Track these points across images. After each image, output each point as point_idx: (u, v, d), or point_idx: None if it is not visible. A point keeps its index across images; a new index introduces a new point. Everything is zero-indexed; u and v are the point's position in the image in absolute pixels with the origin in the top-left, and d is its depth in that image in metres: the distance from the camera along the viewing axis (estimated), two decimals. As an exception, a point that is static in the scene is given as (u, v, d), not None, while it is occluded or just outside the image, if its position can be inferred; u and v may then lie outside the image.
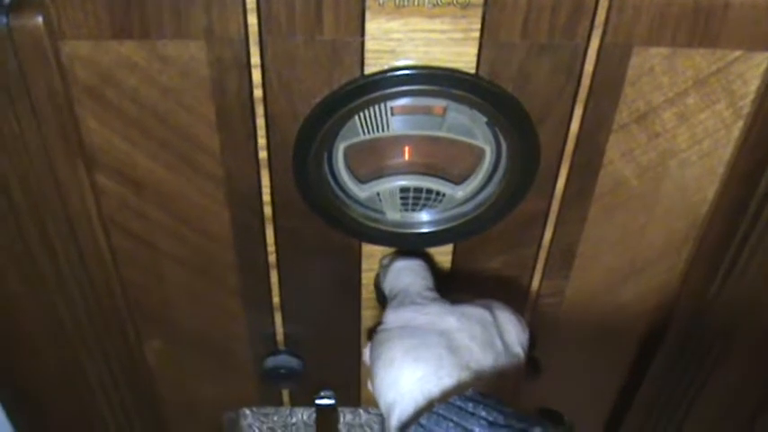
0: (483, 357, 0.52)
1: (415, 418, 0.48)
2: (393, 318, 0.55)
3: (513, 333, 0.55)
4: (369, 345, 0.56)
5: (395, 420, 0.50)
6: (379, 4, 0.48)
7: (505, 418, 0.43)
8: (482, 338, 0.53)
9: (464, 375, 0.50)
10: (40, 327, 0.67)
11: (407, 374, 0.50)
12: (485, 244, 0.63)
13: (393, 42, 0.50)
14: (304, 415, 0.81)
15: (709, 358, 0.71)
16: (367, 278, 0.66)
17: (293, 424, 0.82)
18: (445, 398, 0.47)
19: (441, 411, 0.44)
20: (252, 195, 0.58)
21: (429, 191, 0.59)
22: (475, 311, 0.55)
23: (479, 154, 0.57)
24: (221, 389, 0.77)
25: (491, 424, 0.43)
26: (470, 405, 0.44)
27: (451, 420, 0.44)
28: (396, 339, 0.53)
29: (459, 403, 0.44)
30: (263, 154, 0.56)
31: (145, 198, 0.59)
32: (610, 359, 0.76)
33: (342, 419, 0.81)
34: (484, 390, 0.46)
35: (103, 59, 0.51)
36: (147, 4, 0.48)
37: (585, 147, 0.56)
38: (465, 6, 0.48)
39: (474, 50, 0.50)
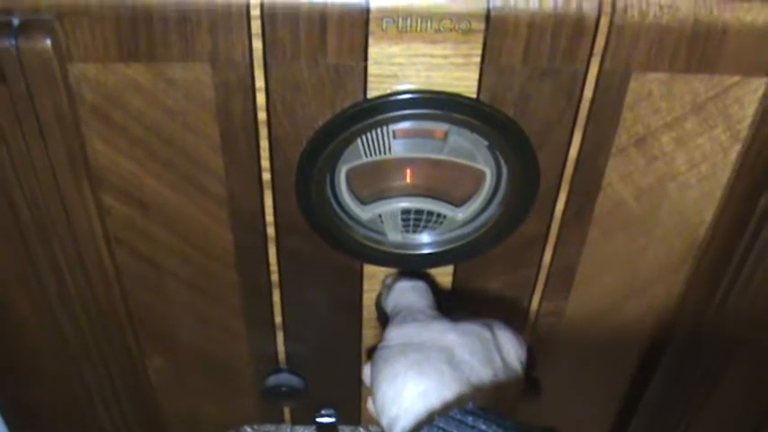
0: (483, 372, 0.52)
1: (417, 431, 0.48)
2: (395, 334, 0.55)
3: (512, 350, 0.56)
4: (368, 364, 0.57)
5: None
6: (382, 29, 0.49)
7: (504, 431, 0.44)
8: (481, 354, 0.53)
9: (464, 389, 0.50)
10: (44, 343, 0.67)
11: (411, 388, 0.51)
12: (485, 265, 0.63)
13: (395, 67, 0.50)
14: (305, 433, 0.81)
15: (709, 376, 0.71)
16: (368, 299, 0.66)
17: (294, 441, 0.82)
18: (445, 411, 0.47)
19: (441, 425, 0.44)
20: (255, 216, 0.59)
21: (430, 213, 0.59)
22: (474, 328, 0.55)
23: (480, 177, 0.58)
24: (223, 406, 0.77)
25: None
26: (470, 418, 0.44)
27: None
28: (399, 355, 0.53)
29: (459, 417, 0.45)
30: (266, 176, 0.56)
31: (149, 218, 0.59)
32: (609, 378, 0.76)
33: (342, 437, 0.81)
34: (483, 403, 0.47)
35: (110, 81, 0.51)
36: (154, 28, 0.48)
37: (585, 170, 0.56)
38: (466, 32, 0.49)
39: (475, 75, 0.51)
